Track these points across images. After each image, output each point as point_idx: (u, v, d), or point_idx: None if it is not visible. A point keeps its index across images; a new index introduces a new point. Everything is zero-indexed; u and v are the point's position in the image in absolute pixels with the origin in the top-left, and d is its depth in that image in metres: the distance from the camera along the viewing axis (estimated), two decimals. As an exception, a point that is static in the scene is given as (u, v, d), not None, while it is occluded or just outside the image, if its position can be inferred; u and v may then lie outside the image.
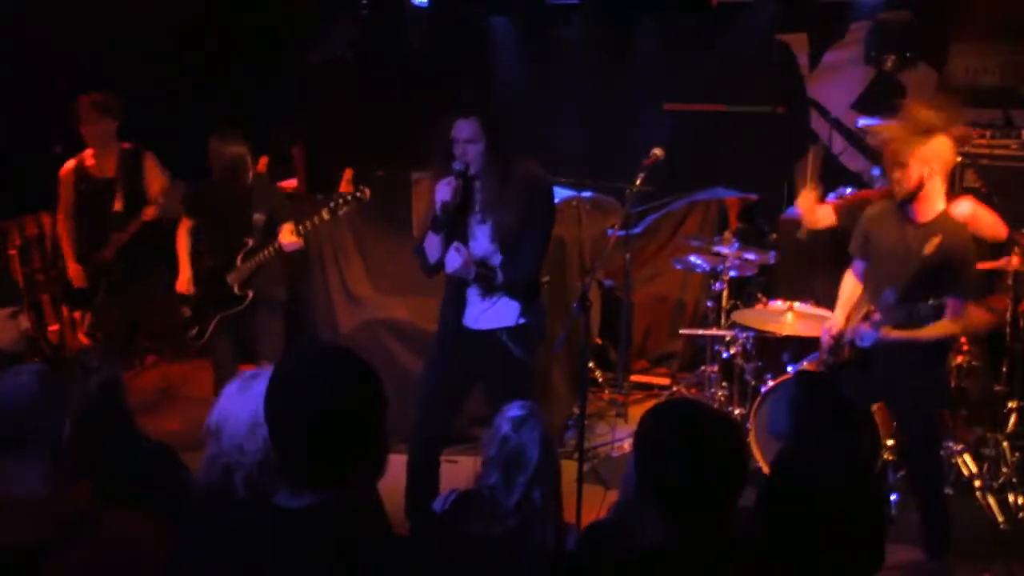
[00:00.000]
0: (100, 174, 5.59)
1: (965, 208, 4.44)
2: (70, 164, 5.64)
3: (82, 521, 2.24)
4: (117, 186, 5.56)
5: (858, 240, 4.43)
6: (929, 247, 3.99)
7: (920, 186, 4.02)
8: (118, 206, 5.56)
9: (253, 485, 2.30)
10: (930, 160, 3.99)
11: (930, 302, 3.88)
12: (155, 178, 5.63)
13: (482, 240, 3.93)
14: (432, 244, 3.96)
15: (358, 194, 4.88)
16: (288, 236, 5.02)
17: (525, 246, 3.88)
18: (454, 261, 3.85)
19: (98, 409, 3.03)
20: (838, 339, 4.40)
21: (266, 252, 5.10)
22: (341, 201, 4.88)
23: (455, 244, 3.86)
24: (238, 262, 5.16)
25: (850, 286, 4.53)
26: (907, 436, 4.49)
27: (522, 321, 3.98)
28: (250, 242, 5.14)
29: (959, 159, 4.18)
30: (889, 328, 4.06)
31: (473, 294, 4.00)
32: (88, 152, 5.60)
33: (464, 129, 3.78)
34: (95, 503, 2.32)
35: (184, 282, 5.34)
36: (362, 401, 1.89)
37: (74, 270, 5.68)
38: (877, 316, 4.12)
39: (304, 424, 1.85)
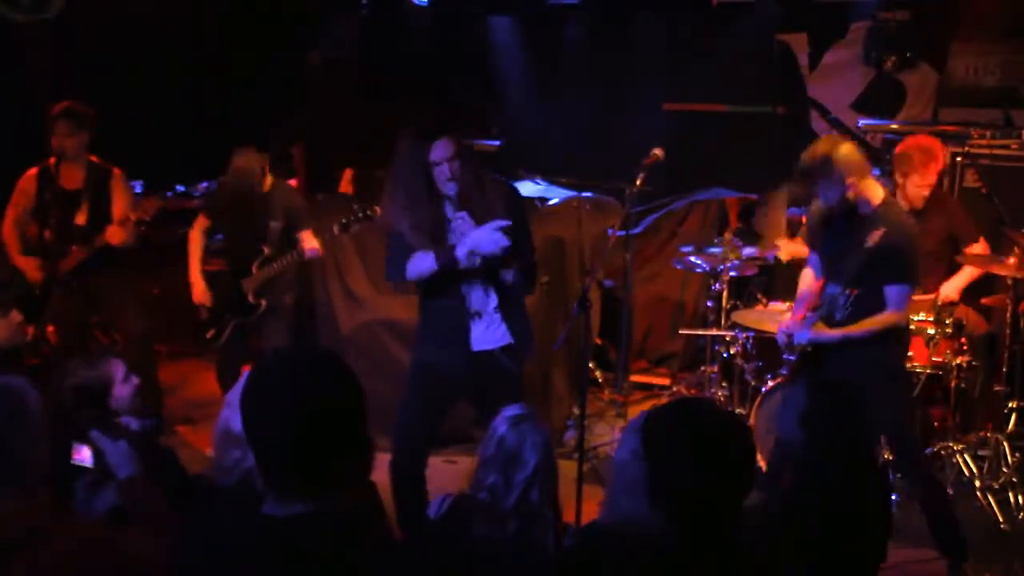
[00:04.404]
0: (66, 185, 5.31)
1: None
2: (33, 171, 5.37)
3: (32, 532, 2.18)
4: (82, 199, 5.31)
5: (809, 235, 4.54)
6: (872, 239, 3.98)
7: (842, 197, 4.05)
8: (81, 220, 5.31)
9: None
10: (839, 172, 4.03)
11: (846, 292, 3.95)
12: (121, 197, 5.39)
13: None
14: (426, 259, 3.88)
15: (369, 212, 4.92)
16: (311, 242, 5.06)
17: (518, 253, 3.86)
18: (464, 246, 3.79)
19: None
20: (791, 336, 4.39)
21: (284, 261, 5.10)
22: (352, 219, 4.97)
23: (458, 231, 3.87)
24: (254, 270, 5.15)
25: (807, 281, 4.55)
26: (893, 451, 4.45)
27: (516, 337, 3.95)
28: (266, 250, 5.13)
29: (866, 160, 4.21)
30: (822, 325, 4.09)
31: (474, 317, 3.93)
32: (53, 160, 5.29)
33: (443, 149, 3.80)
34: (49, 514, 2.27)
35: (199, 294, 5.29)
36: (340, 402, 1.82)
37: (25, 264, 5.32)
38: (810, 314, 4.18)
39: (282, 429, 1.78)
